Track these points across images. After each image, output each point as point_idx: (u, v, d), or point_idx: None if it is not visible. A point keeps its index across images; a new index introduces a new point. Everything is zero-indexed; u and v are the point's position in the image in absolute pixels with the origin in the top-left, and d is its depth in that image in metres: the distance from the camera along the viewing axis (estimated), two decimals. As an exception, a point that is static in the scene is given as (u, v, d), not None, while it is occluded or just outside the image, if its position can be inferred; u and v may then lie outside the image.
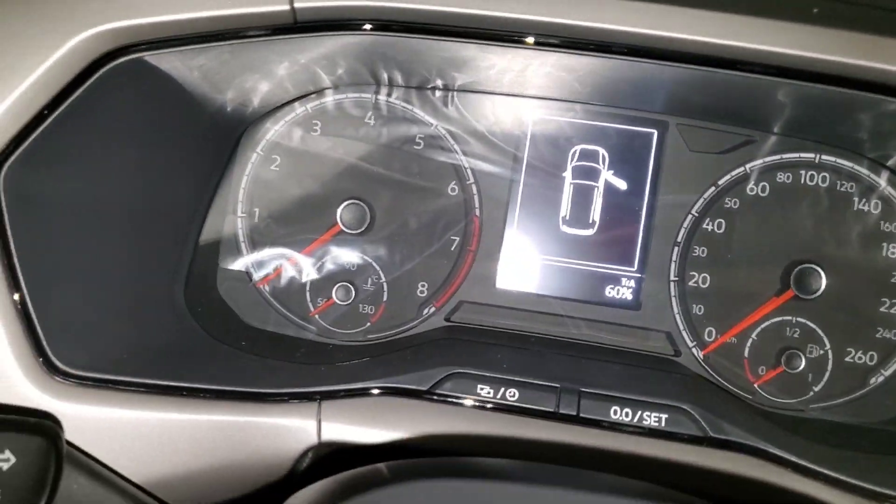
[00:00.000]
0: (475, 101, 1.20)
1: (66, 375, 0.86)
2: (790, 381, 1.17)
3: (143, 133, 0.99)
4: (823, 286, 1.15)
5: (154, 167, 1.03)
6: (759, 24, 0.88)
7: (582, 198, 1.20)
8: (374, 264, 1.21)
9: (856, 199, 1.17)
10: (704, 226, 1.19)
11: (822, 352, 1.17)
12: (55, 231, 0.90)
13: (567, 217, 1.20)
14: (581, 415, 0.96)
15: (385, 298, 1.22)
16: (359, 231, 1.19)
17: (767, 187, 1.19)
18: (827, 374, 1.17)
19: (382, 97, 1.20)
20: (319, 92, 1.19)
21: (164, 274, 1.10)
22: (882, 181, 1.17)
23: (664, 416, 0.96)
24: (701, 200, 1.19)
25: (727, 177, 1.19)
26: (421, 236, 1.21)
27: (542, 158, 1.20)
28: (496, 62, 1.03)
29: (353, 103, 1.20)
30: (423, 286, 1.22)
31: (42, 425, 0.71)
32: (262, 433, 0.90)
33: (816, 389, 1.17)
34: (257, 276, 1.22)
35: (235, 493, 0.93)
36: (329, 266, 1.21)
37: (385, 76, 1.15)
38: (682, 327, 1.19)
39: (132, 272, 1.03)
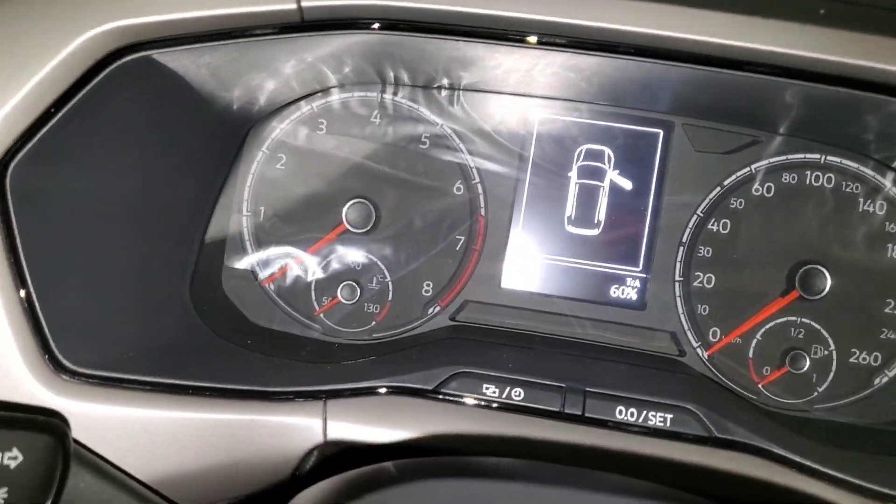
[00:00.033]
0: (481, 100, 1.20)
1: (72, 373, 0.86)
2: (795, 381, 1.17)
3: (149, 131, 0.99)
4: (828, 287, 1.15)
5: (160, 165, 1.03)
6: (765, 24, 0.88)
7: (587, 198, 1.20)
8: (380, 263, 1.21)
9: (861, 200, 1.18)
10: (710, 226, 1.19)
11: (826, 352, 1.17)
12: (62, 229, 0.90)
13: (572, 217, 1.20)
14: (586, 414, 0.96)
15: (390, 298, 1.22)
16: (364, 230, 1.19)
17: (773, 188, 1.19)
18: (831, 375, 1.17)
19: (388, 96, 1.20)
20: (325, 91, 1.19)
21: (169, 272, 1.10)
22: (887, 182, 1.17)
23: (669, 416, 0.96)
24: (706, 201, 1.19)
25: (732, 177, 1.19)
26: (426, 236, 1.21)
27: (548, 158, 1.20)
28: (503, 61, 1.03)
29: (359, 102, 1.20)
30: (428, 285, 1.22)
31: (49, 423, 0.71)
32: (267, 432, 0.90)
33: (821, 390, 1.17)
34: (263, 274, 1.22)
35: (241, 491, 0.93)
36: (334, 265, 1.22)
37: (391, 75, 1.15)
38: (686, 327, 1.19)
39: (138, 270, 1.03)
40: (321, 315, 1.22)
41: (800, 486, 0.90)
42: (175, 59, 0.91)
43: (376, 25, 0.91)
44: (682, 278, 1.19)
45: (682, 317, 1.19)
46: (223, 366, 1.00)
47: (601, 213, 1.20)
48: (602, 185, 1.20)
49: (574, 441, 0.93)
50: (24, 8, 0.84)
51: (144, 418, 0.87)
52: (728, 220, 1.19)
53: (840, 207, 1.17)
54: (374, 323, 1.22)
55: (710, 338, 1.19)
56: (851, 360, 1.17)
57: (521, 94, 1.19)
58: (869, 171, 1.17)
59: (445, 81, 1.16)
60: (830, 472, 0.91)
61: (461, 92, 1.20)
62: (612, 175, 1.20)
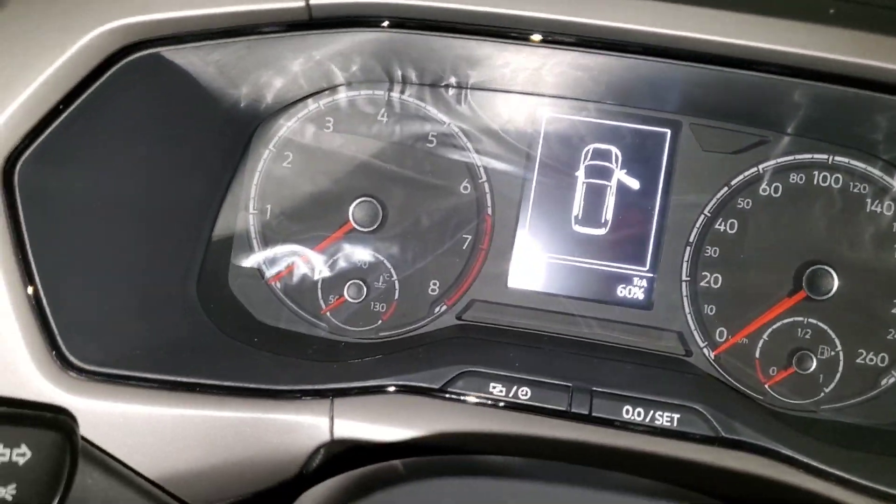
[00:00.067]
0: (489, 99, 1.20)
1: (79, 371, 0.86)
2: (801, 382, 1.17)
3: (156, 129, 0.99)
4: (835, 287, 1.15)
5: (168, 163, 1.04)
6: (774, 24, 0.88)
7: (594, 197, 1.20)
8: (386, 262, 1.21)
9: (869, 200, 1.17)
10: (717, 226, 1.19)
11: (833, 353, 1.17)
12: (69, 226, 0.91)
13: (579, 216, 1.20)
14: (593, 414, 0.96)
15: (397, 296, 1.22)
16: (371, 229, 1.19)
17: (780, 188, 1.18)
18: (838, 376, 1.17)
19: (396, 94, 1.20)
20: (332, 89, 1.19)
21: (177, 270, 1.10)
22: (895, 183, 1.17)
23: (676, 415, 0.96)
24: (713, 200, 1.19)
25: (740, 177, 1.19)
26: (433, 234, 1.21)
27: (555, 157, 1.20)
28: (511, 60, 1.03)
29: (366, 100, 1.20)
30: (434, 284, 1.22)
31: (57, 420, 0.71)
32: (274, 430, 0.90)
33: (827, 390, 1.17)
34: (269, 273, 1.22)
35: (248, 489, 0.93)
36: (341, 264, 1.21)
37: (399, 73, 1.15)
38: (693, 327, 1.19)
39: (145, 268, 1.03)
40: (327, 314, 1.22)
41: (807, 486, 0.90)
42: (183, 57, 0.91)
43: (385, 23, 0.91)
44: (688, 278, 1.19)
45: (688, 317, 1.19)
46: (230, 364, 1.00)
47: (608, 212, 1.20)
48: (609, 184, 1.20)
49: (580, 441, 0.93)
50: (33, 5, 0.84)
51: (151, 415, 0.87)
52: (735, 220, 1.19)
53: (848, 208, 1.17)
54: (380, 322, 1.22)
55: (717, 338, 1.19)
56: (858, 360, 1.17)
57: (528, 93, 1.19)
58: (877, 172, 1.17)
59: (453, 80, 1.16)
60: (837, 472, 0.91)
61: (469, 90, 1.20)
62: (620, 174, 1.19)
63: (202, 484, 0.90)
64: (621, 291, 1.20)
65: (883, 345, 1.17)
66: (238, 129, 1.17)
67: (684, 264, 1.19)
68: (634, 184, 1.19)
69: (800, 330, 1.17)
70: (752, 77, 0.93)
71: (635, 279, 1.20)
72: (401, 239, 1.21)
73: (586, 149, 1.20)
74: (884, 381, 1.17)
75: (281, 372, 0.99)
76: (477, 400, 0.97)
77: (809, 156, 1.18)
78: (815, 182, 1.18)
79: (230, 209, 1.21)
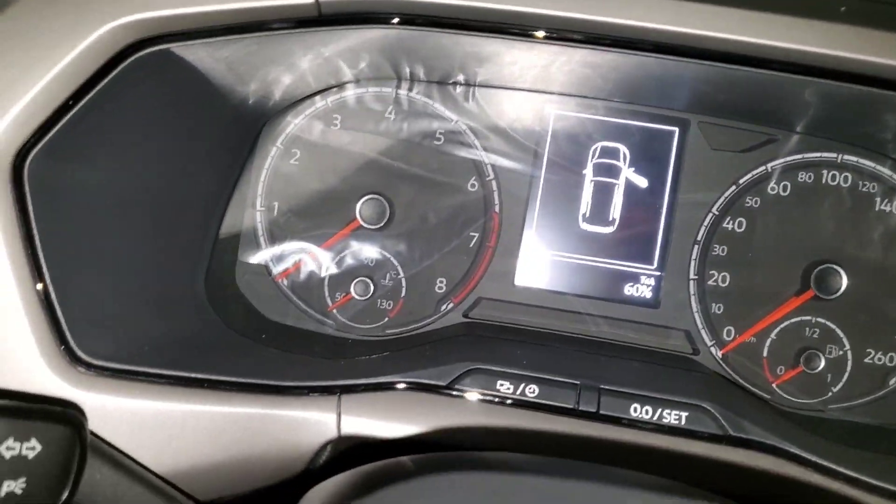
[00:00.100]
0: (496, 96, 1.20)
1: (88, 366, 0.86)
2: (809, 381, 1.17)
3: (165, 125, 0.99)
4: (844, 286, 1.14)
5: (176, 159, 1.04)
6: (785, 21, 0.87)
7: (602, 195, 1.20)
8: (393, 260, 1.21)
9: (878, 199, 1.17)
10: (725, 224, 1.19)
11: (841, 352, 1.16)
12: (78, 222, 0.91)
13: (587, 214, 1.20)
14: (601, 412, 0.96)
15: (403, 294, 1.22)
16: (378, 226, 1.19)
17: (789, 186, 1.18)
18: (846, 375, 1.16)
19: (403, 92, 1.20)
20: (340, 86, 1.19)
21: (185, 266, 1.11)
22: (905, 182, 1.17)
23: (684, 413, 0.96)
24: (721, 199, 1.19)
25: (748, 176, 1.19)
26: (440, 232, 1.21)
27: (563, 155, 1.20)
28: (520, 58, 1.03)
29: (374, 97, 1.20)
30: (441, 282, 1.22)
31: (66, 414, 0.71)
32: (282, 425, 0.91)
33: (835, 390, 1.16)
34: (276, 270, 1.22)
35: (256, 484, 0.93)
36: (348, 261, 1.21)
37: (407, 70, 1.15)
38: (700, 326, 1.19)
39: (153, 264, 1.03)
40: (334, 311, 1.22)
41: (816, 483, 0.90)
42: (193, 53, 0.91)
43: (395, 20, 0.90)
44: (696, 276, 1.19)
45: (696, 315, 1.19)
46: (238, 360, 1.01)
47: (616, 210, 1.20)
48: (617, 182, 1.19)
49: (588, 438, 0.93)
50: (43, 1, 0.84)
51: (159, 411, 0.87)
52: (743, 219, 1.18)
53: (856, 207, 1.17)
54: (387, 319, 1.22)
55: (725, 336, 1.19)
56: (866, 360, 1.16)
57: (536, 91, 1.19)
58: (886, 171, 1.16)
59: (461, 77, 1.16)
60: (846, 471, 0.91)
61: (476, 88, 1.20)
62: (628, 172, 1.19)
63: (209, 479, 0.90)
64: (629, 290, 1.20)
65: (891, 344, 1.16)
66: (246, 125, 1.17)
67: (692, 263, 1.19)
68: (642, 182, 1.19)
69: (808, 329, 1.17)
70: (762, 75, 0.93)
71: (643, 277, 1.20)
72: (408, 236, 1.21)
73: (594, 147, 1.19)
74: (892, 381, 1.17)
75: (288, 368, 0.99)
76: (484, 397, 0.97)
77: (818, 154, 1.18)
78: (824, 181, 1.18)
79: (237, 206, 1.21)
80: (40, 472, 0.67)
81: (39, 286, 0.84)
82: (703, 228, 1.19)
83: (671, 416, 0.96)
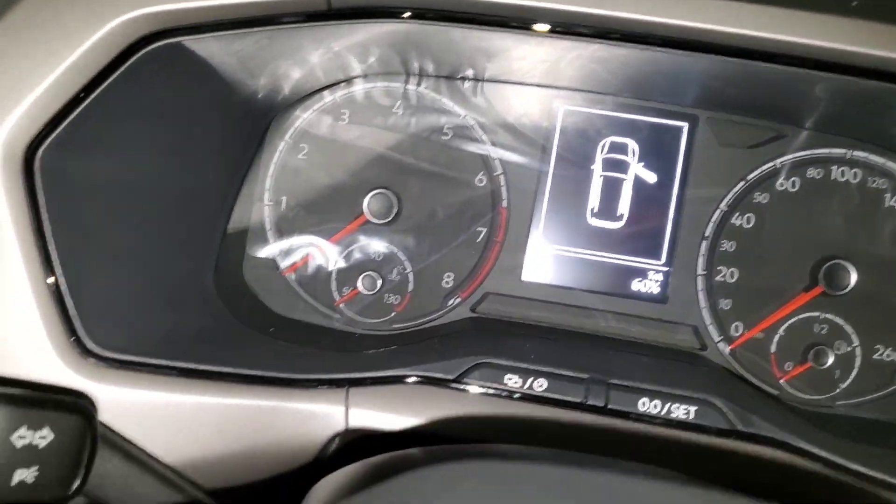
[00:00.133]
0: (505, 91, 1.20)
1: (98, 357, 0.86)
2: (817, 377, 1.16)
3: (175, 118, 0.99)
4: (853, 282, 1.14)
5: (185, 153, 1.04)
6: (796, 16, 0.87)
7: (611, 190, 1.19)
8: (401, 254, 1.21)
9: (887, 195, 1.16)
10: (733, 220, 1.18)
11: (850, 348, 1.16)
12: (89, 214, 0.91)
13: (595, 209, 1.20)
14: (609, 406, 0.95)
15: (410, 289, 1.22)
16: (385, 221, 1.19)
17: (798, 182, 1.18)
18: (855, 371, 1.16)
19: (412, 86, 1.20)
20: (348, 81, 1.19)
21: (194, 259, 1.11)
22: (914, 178, 1.16)
23: (693, 408, 0.95)
24: (730, 195, 1.18)
25: (757, 171, 1.18)
26: (448, 227, 1.21)
27: (572, 150, 1.20)
28: (530, 53, 1.03)
29: (382, 92, 1.20)
30: (448, 277, 1.22)
31: (78, 404, 0.72)
32: (290, 418, 0.91)
33: (844, 386, 1.16)
34: (284, 264, 1.22)
35: (264, 475, 0.93)
36: (355, 255, 1.22)
37: (416, 65, 1.15)
38: (708, 322, 1.18)
39: (163, 256, 1.04)
40: (341, 305, 1.22)
41: (826, 477, 0.90)
42: (205, 47, 0.91)
43: (407, 14, 0.91)
44: (704, 272, 1.19)
45: (703, 311, 1.19)
46: (247, 352, 1.01)
47: (624, 205, 1.19)
48: (626, 177, 1.19)
49: (596, 432, 0.93)
50: (54, -6, 0.84)
51: (169, 402, 0.87)
52: (752, 215, 1.18)
53: (866, 203, 1.16)
54: (394, 314, 1.22)
55: (733, 332, 1.18)
56: (875, 356, 1.16)
57: (545, 86, 1.19)
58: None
59: (470, 72, 1.16)
60: (855, 466, 0.91)
61: (485, 83, 1.20)
62: (637, 168, 1.19)
63: (218, 470, 0.90)
64: (636, 285, 1.20)
65: (900, 341, 1.16)
66: (255, 120, 1.17)
67: (700, 258, 1.19)
68: (651, 177, 1.19)
69: (816, 325, 1.17)
70: (772, 70, 0.93)
71: (651, 273, 1.19)
72: (415, 231, 1.21)
73: (603, 142, 1.19)
74: (901, 378, 1.16)
75: (297, 361, 0.99)
76: (492, 391, 0.97)
77: (827, 150, 1.17)
78: (833, 177, 1.17)
79: (245, 200, 1.21)
80: (52, 461, 0.68)
81: (50, 279, 0.84)
82: (711, 224, 1.19)
83: (679, 411, 0.95)
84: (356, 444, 0.94)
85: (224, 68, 0.98)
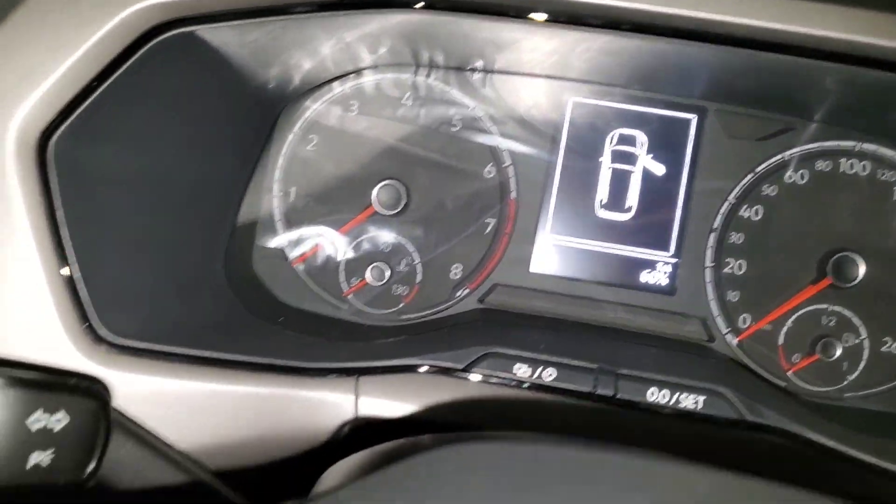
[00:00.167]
0: (514, 83, 1.20)
1: (111, 344, 0.87)
2: (825, 369, 1.16)
3: (187, 107, 1.00)
4: (861, 275, 1.14)
5: (197, 142, 1.04)
6: (807, 6, 0.87)
7: (619, 182, 1.20)
8: (409, 245, 1.22)
9: (897, 188, 1.17)
10: (742, 212, 1.18)
11: (858, 340, 1.16)
12: (101, 202, 0.91)
13: (604, 201, 1.20)
14: (618, 396, 0.96)
15: (419, 280, 1.22)
16: (394, 212, 1.19)
17: (806, 175, 1.18)
18: (863, 363, 1.16)
19: (421, 78, 1.20)
20: (358, 72, 1.20)
21: (204, 248, 1.11)
22: (924, 171, 1.16)
23: (701, 398, 0.96)
24: (738, 187, 1.18)
25: (765, 164, 1.18)
26: (456, 218, 1.21)
27: (581, 142, 1.20)
28: (540, 44, 1.03)
29: (392, 83, 1.20)
30: (457, 268, 1.22)
31: (92, 388, 0.73)
32: (301, 406, 0.91)
33: (852, 378, 1.16)
34: (292, 254, 1.23)
35: (275, 462, 0.94)
36: (364, 246, 1.22)
37: (426, 56, 1.15)
38: (716, 313, 1.19)
39: (174, 245, 1.04)
40: (350, 296, 1.22)
41: (834, 468, 0.90)
42: (218, 36, 0.92)
43: (419, 4, 0.91)
44: (713, 264, 1.19)
45: (711, 303, 1.19)
46: (257, 341, 1.01)
47: (633, 197, 1.20)
48: (634, 169, 1.19)
49: (605, 421, 0.94)
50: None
51: (180, 389, 0.88)
52: (760, 207, 1.18)
53: (875, 195, 1.16)
54: (402, 305, 1.22)
55: (741, 324, 1.19)
56: (884, 348, 1.16)
57: (554, 78, 1.19)
58: (905, 159, 1.16)
59: (479, 64, 1.16)
60: (864, 457, 0.91)
61: (494, 74, 1.20)
62: (645, 160, 1.19)
63: (229, 456, 0.91)
64: (645, 277, 1.20)
65: (908, 333, 1.16)
66: (265, 110, 1.17)
67: (708, 250, 1.19)
68: (660, 169, 1.19)
69: (824, 317, 1.17)
70: (782, 61, 0.93)
71: (659, 265, 1.20)
72: (424, 222, 1.21)
73: (612, 134, 1.19)
74: (909, 370, 1.16)
75: (307, 350, 0.99)
76: (501, 381, 0.98)
77: (836, 143, 1.17)
78: (842, 169, 1.17)
79: (255, 190, 1.21)
80: (67, 444, 0.68)
81: (64, 268, 0.84)
82: (719, 216, 1.19)
83: (688, 401, 0.96)
84: (366, 431, 0.94)
85: (236, 58, 0.99)
